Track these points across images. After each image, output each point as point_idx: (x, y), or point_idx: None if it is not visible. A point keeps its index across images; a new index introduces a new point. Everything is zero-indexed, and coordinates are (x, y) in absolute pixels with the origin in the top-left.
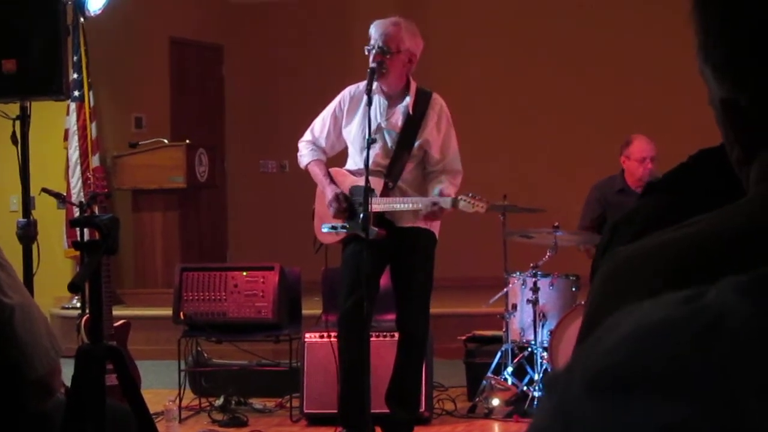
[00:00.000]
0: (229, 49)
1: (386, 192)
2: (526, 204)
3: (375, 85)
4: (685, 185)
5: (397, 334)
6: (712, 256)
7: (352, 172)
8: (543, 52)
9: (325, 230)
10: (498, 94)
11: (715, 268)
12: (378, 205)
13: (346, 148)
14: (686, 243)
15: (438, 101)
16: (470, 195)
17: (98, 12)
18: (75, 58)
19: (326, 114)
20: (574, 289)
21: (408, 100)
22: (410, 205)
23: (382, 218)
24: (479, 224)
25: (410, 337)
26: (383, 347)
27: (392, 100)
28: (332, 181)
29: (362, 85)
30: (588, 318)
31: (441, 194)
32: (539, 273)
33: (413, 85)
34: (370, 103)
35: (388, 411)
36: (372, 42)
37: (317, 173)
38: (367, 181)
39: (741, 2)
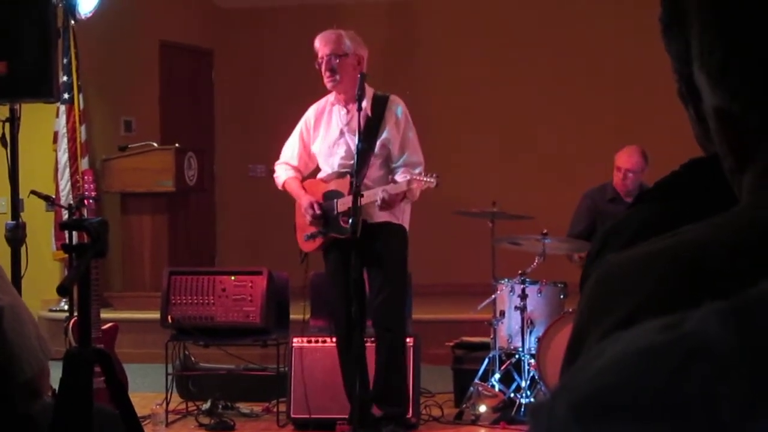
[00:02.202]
0: (219, 54)
1: (351, 191)
2: (515, 211)
3: (332, 97)
4: (677, 194)
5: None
6: (702, 266)
7: (324, 180)
8: (534, 59)
9: (305, 239)
10: (488, 101)
11: (705, 279)
12: (344, 205)
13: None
14: (677, 252)
15: (395, 102)
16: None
17: (89, 15)
18: (65, 60)
19: (294, 137)
20: (561, 296)
21: (363, 105)
22: (371, 198)
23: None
24: (468, 231)
25: (389, 332)
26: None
27: (350, 106)
28: (306, 192)
29: (323, 101)
30: (578, 326)
31: (393, 182)
32: (527, 280)
33: (369, 90)
34: (359, 109)
35: (375, 412)
36: (319, 54)
37: (293, 187)
38: (358, 187)
39: (737, 10)
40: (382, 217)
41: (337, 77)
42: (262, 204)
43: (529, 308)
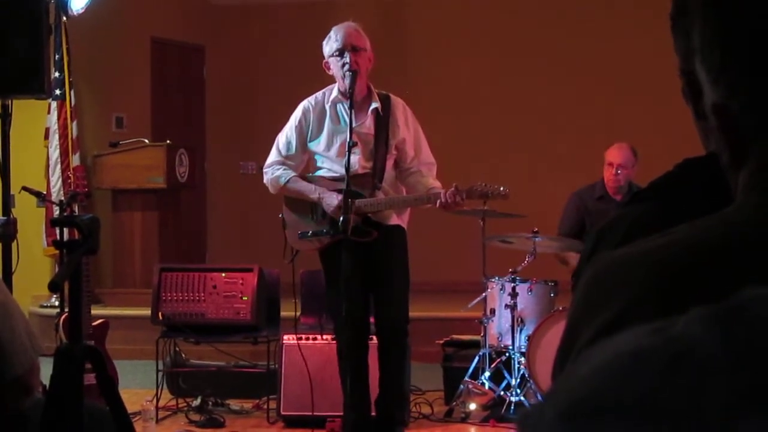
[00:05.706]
0: (211, 50)
1: (374, 193)
2: (505, 209)
3: (336, 92)
4: (671, 193)
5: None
6: (690, 268)
7: (329, 179)
8: (524, 57)
9: (305, 237)
10: (478, 99)
11: (692, 281)
12: (376, 205)
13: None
14: (667, 253)
15: (398, 101)
16: (484, 184)
17: (81, 11)
18: (57, 56)
19: (289, 132)
20: (552, 294)
21: (375, 104)
22: (423, 201)
23: (369, 220)
24: (458, 229)
25: (397, 336)
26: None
27: (358, 104)
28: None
29: (319, 95)
30: (570, 323)
31: (457, 188)
32: (518, 278)
33: (373, 88)
34: (352, 106)
35: (375, 413)
36: (338, 46)
37: (303, 186)
38: (347, 185)
39: (738, 8)
40: (393, 220)
41: (359, 72)
42: (253, 201)
43: (519, 306)
